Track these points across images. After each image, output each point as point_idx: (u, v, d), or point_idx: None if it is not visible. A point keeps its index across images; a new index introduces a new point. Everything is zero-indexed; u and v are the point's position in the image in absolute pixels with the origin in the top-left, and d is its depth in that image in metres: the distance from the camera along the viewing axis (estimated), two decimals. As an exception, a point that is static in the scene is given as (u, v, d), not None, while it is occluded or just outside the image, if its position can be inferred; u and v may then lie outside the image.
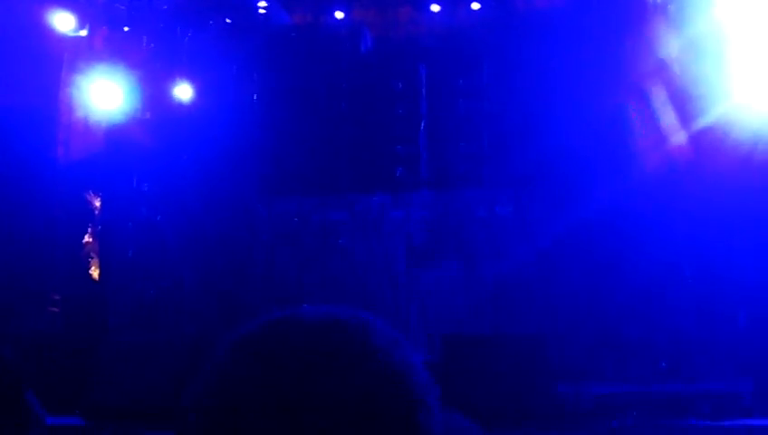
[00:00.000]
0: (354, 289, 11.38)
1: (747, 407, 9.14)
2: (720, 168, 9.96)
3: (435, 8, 11.34)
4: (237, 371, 1.09)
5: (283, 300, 11.27)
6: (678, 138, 10.46)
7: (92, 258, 11.27)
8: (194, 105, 11.26)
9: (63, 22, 10.81)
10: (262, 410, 1.05)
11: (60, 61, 11.04)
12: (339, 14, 11.36)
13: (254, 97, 11.64)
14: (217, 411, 1.07)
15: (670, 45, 10.87)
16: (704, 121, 10.20)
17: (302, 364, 1.06)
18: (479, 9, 11.34)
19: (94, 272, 11.28)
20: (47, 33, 10.59)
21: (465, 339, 9.15)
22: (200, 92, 11.30)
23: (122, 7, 11.10)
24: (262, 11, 11.35)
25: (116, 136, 11.08)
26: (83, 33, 11.09)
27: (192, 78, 11.27)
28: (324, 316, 1.12)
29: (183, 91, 11.23)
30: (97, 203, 11.30)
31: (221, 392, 1.08)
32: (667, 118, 10.68)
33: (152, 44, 11.30)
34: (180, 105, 11.22)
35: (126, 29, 11.09)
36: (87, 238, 11.25)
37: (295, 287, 11.38)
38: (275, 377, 1.06)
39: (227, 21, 11.18)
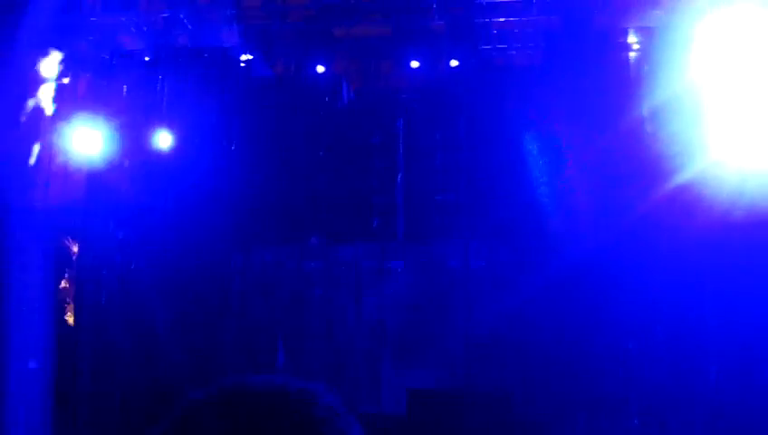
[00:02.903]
0: (328, 339, 11.39)
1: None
2: (696, 224, 10.05)
3: (414, 64, 11.53)
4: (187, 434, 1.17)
5: (256, 350, 11.28)
6: (654, 194, 10.55)
7: (68, 303, 11.25)
8: (172, 154, 11.44)
9: (47, 68, 10.93)
10: None
11: (42, 107, 11.15)
12: (320, 69, 11.52)
13: (233, 147, 11.78)
14: None
15: (645, 104, 11.03)
16: (680, 179, 10.31)
17: (247, 434, 1.14)
18: (457, 65, 11.50)
19: (69, 317, 11.26)
20: (30, 79, 10.71)
21: (431, 393, 9.15)
22: (179, 141, 11.49)
23: (105, 56, 11.25)
24: (242, 63, 11.47)
25: (95, 182, 11.16)
26: (66, 80, 11.21)
27: (171, 127, 11.43)
28: (271, 387, 1.21)
29: (162, 140, 11.37)
30: (75, 248, 11.31)
31: None
32: (643, 175, 10.79)
33: (133, 93, 11.45)
34: (159, 153, 11.34)
35: (108, 77, 11.21)
36: (63, 283, 11.24)
37: (270, 337, 11.36)
38: None
39: (208, 72, 11.27)
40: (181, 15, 11.74)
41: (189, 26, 11.82)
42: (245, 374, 1.25)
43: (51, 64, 10.98)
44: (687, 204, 10.16)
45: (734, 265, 9.91)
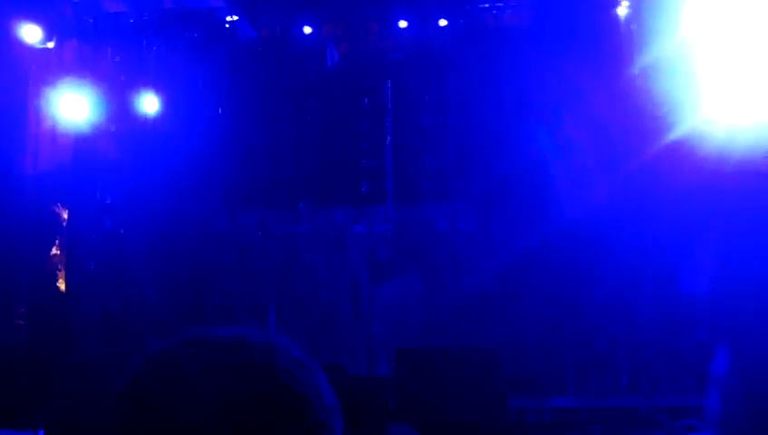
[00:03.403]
0: (316, 303, 11.45)
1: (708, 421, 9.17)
2: (686, 183, 10.07)
3: (402, 24, 11.43)
4: (147, 384, 1.18)
5: (245, 313, 11.34)
6: (645, 153, 10.54)
7: (60, 270, 11.30)
8: (159, 118, 11.39)
9: (30, 34, 10.85)
10: (166, 425, 1.12)
11: (27, 73, 11.09)
12: (306, 30, 11.41)
13: (219, 110, 11.71)
14: (125, 421, 1.16)
15: (636, 62, 10.96)
16: (670, 137, 10.31)
17: (207, 384, 1.14)
18: (446, 25, 11.40)
19: (61, 284, 11.30)
20: (14, 46, 10.63)
21: (418, 352, 9.22)
22: (166, 105, 11.44)
23: (90, 20, 11.16)
24: (228, 25, 11.37)
25: (82, 148, 11.13)
26: (50, 45, 11.14)
27: (158, 91, 11.37)
28: (232, 338, 1.21)
29: (149, 104, 11.33)
30: (65, 215, 11.32)
31: (130, 404, 1.17)
32: (634, 133, 10.78)
33: (118, 57, 11.39)
34: (146, 118, 11.30)
35: (93, 42, 11.12)
36: (54, 250, 11.27)
37: (258, 300, 11.42)
38: (181, 394, 1.14)
39: (194, 35, 11.18)
40: (166, -23, 11.63)
41: (174, -12, 11.70)
42: (208, 326, 1.24)
43: (34, 30, 10.89)
44: (679, 161, 10.16)
45: (726, 222, 9.93)
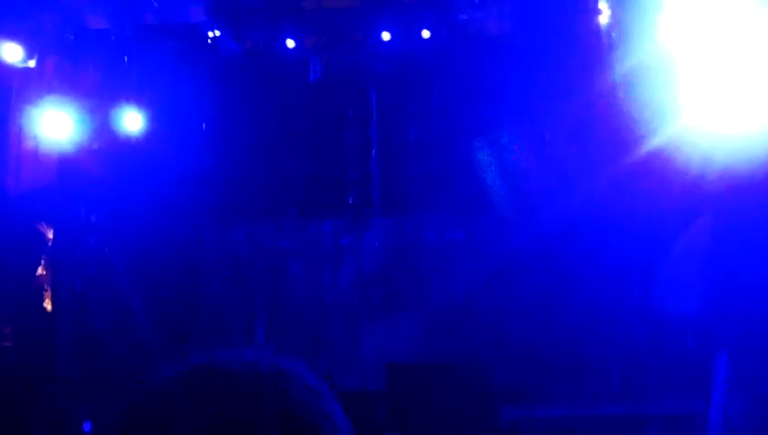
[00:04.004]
0: (305, 316, 11.41)
1: (699, 427, 9.25)
2: (670, 190, 10.12)
3: (385, 36, 11.43)
4: (151, 416, 1.08)
5: (233, 328, 11.29)
6: (627, 159, 10.59)
7: (46, 290, 11.20)
8: (143, 134, 11.32)
9: (12, 52, 10.78)
10: None
11: (9, 91, 11.01)
12: (290, 43, 11.40)
13: (204, 125, 11.66)
14: None
15: (617, 69, 11.02)
16: (652, 144, 10.35)
17: (215, 418, 1.05)
18: (429, 36, 11.44)
19: (47, 304, 11.21)
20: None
21: (409, 367, 9.22)
22: (149, 121, 11.37)
23: (71, 37, 11.09)
24: (210, 40, 11.33)
25: (66, 166, 11.06)
26: (32, 63, 11.07)
27: (141, 107, 11.31)
28: (243, 368, 1.12)
29: (132, 121, 11.25)
30: (50, 234, 11.24)
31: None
32: (616, 140, 10.83)
33: (101, 74, 11.31)
34: (129, 134, 11.23)
35: (74, 58, 11.06)
36: (40, 270, 11.18)
37: (247, 314, 11.37)
38: (189, 428, 1.04)
39: (177, 50, 11.14)
40: (147, -8, 11.58)
41: (155, 3, 11.65)
42: (216, 349, 1.17)
43: (15, 48, 10.82)
44: (660, 168, 10.22)
45: (706, 228, 9.99)
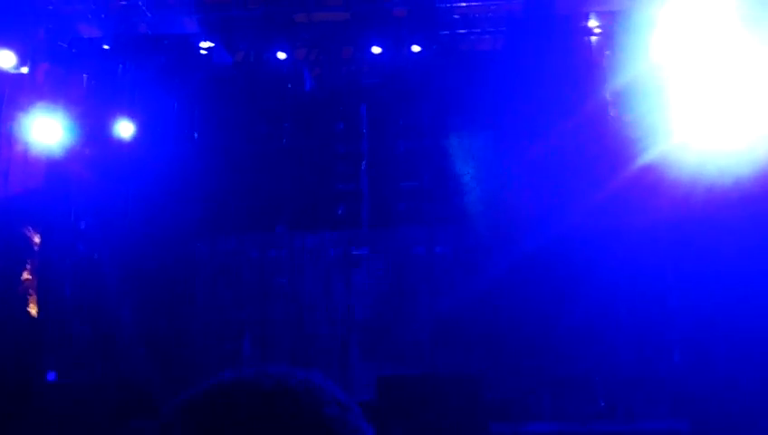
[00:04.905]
0: (294, 327, 11.37)
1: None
2: (659, 206, 10.14)
3: (376, 50, 11.49)
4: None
5: (222, 339, 11.24)
6: (618, 177, 10.63)
7: (31, 295, 11.12)
8: (134, 142, 11.35)
9: (4, 59, 10.77)
10: None
11: (0, 97, 10.99)
12: (281, 55, 11.43)
13: (195, 135, 11.69)
14: None
15: (608, 87, 11.09)
16: (643, 161, 10.40)
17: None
18: (419, 51, 11.50)
19: (32, 309, 11.13)
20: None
21: (399, 380, 9.18)
22: (140, 130, 11.40)
23: (63, 45, 11.10)
24: (203, 51, 11.36)
25: (55, 172, 11.03)
26: (24, 69, 11.06)
27: (132, 115, 11.31)
28: (275, 385, 1.11)
29: (123, 128, 11.27)
30: (37, 239, 11.17)
31: None
32: (607, 157, 10.87)
33: (93, 81, 11.32)
34: (120, 142, 11.24)
35: (67, 66, 11.06)
36: (26, 275, 11.10)
37: (235, 325, 11.31)
38: None
39: (169, 60, 11.16)
40: (140, 3, 11.62)
41: (148, 14, 11.71)
42: (238, 369, 1.15)
43: (8, 55, 10.80)
44: (650, 186, 10.26)
45: (696, 246, 10.02)
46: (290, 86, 11.98)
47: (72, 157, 11.20)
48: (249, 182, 11.93)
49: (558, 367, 11.00)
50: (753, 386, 9.09)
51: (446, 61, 11.89)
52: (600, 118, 11.18)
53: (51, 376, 10.23)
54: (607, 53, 11.50)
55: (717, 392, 9.59)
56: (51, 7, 11.50)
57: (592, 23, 11.83)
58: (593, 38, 11.78)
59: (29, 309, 11.15)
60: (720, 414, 9.27)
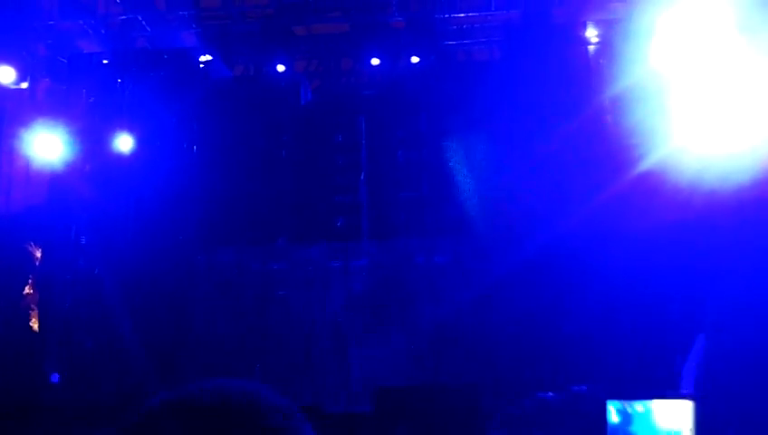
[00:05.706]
0: (294, 340, 11.36)
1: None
2: (658, 212, 10.13)
3: (374, 61, 11.53)
4: None
5: (221, 352, 11.24)
6: (616, 184, 10.63)
7: (33, 310, 11.16)
8: (134, 157, 11.36)
9: (5, 74, 10.87)
10: None
11: (1, 112, 11.08)
12: (280, 68, 11.49)
13: (194, 148, 11.74)
14: None
15: (606, 95, 11.11)
16: (641, 169, 10.38)
17: None
18: (418, 62, 11.54)
19: (34, 323, 11.16)
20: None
21: (397, 390, 9.17)
22: (140, 144, 11.44)
23: (63, 60, 11.19)
24: (202, 64, 11.42)
25: (56, 187, 11.09)
26: (25, 85, 11.15)
27: (132, 129, 11.35)
28: (214, 399, 1.10)
29: (123, 143, 11.29)
30: (38, 254, 11.21)
31: None
32: (605, 165, 10.87)
33: (92, 97, 11.38)
34: (120, 156, 11.27)
35: (67, 81, 11.15)
36: (28, 289, 11.14)
37: (235, 338, 11.31)
38: None
39: (168, 74, 11.21)
40: (139, 18, 11.72)
41: (148, 28, 11.81)
42: (181, 386, 1.15)
43: (8, 70, 10.90)
44: (649, 193, 10.25)
45: (696, 252, 10.00)
46: (289, 98, 12.00)
47: (72, 172, 11.25)
48: (248, 195, 11.94)
49: (559, 374, 10.97)
50: (757, 392, 9.07)
51: (445, 71, 11.92)
52: (599, 126, 11.18)
53: (54, 378, 10.24)
54: (605, 61, 11.51)
55: (721, 398, 9.55)
56: (51, 23, 11.60)
57: (590, 31, 11.86)
58: (591, 47, 11.80)
59: (31, 324, 11.19)
60: (725, 421, 9.24)
